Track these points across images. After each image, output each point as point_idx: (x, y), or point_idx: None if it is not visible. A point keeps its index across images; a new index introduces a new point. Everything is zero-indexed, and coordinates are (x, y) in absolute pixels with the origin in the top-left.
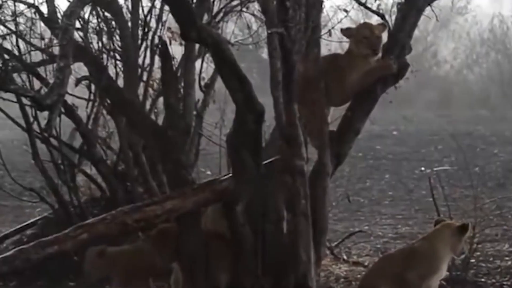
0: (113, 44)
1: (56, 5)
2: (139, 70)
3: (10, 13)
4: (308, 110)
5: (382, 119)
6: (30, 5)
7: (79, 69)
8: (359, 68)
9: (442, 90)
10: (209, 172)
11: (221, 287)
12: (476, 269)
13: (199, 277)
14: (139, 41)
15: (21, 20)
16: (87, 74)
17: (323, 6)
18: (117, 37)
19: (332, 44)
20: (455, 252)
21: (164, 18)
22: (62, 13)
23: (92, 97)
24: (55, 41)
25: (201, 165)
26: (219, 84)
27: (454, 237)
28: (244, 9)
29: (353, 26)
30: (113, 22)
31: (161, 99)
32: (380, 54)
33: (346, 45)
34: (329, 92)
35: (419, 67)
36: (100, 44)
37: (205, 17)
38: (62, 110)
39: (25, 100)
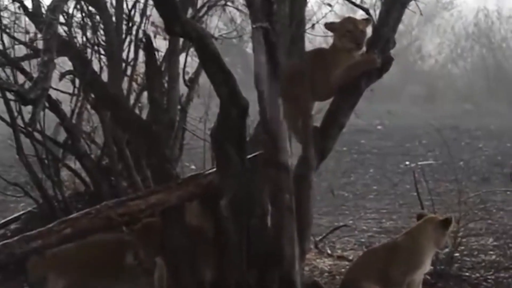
0: (97, 39)
1: (40, 0)
2: (123, 64)
3: None
4: (293, 105)
5: (366, 113)
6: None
7: (64, 63)
8: (343, 63)
9: (426, 85)
10: (193, 167)
11: (205, 282)
12: (460, 263)
13: (184, 272)
14: (123, 36)
15: (5, 14)
16: (71, 68)
17: (307, 0)
18: (101, 32)
19: (317, 38)
20: (438, 246)
21: (148, 13)
22: (46, 7)
23: (76, 92)
24: (39, 36)
25: (186, 159)
26: (203, 78)
27: (438, 231)
28: (228, 3)
29: (337, 20)
30: (97, 17)
31: (145, 94)
32: (364, 49)
33: (330, 40)
34: (313, 86)
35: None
36: (84, 38)
37: (189, 11)
38: (46, 104)
39: (9, 95)
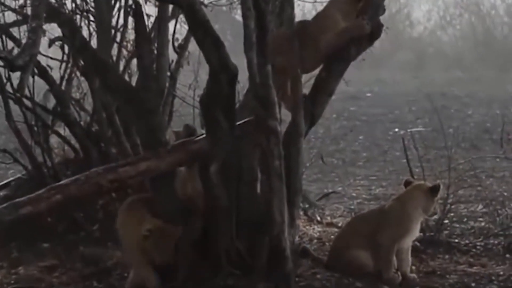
0: (87, 5)
1: None
2: (113, 31)
3: None
4: (282, 72)
5: (356, 80)
6: None
7: (53, 30)
8: (333, 28)
9: (416, 52)
10: None
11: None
12: (450, 230)
13: None
14: (113, 2)
15: None
16: (61, 35)
17: None
18: None
19: (306, 5)
20: (426, 213)
21: None
22: None
23: (65, 58)
24: (28, 2)
25: (175, 126)
26: (192, 45)
27: (426, 198)
28: None
29: None
30: None
31: (134, 60)
32: None
33: (320, 6)
34: (302, 56)
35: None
36: (73, 5)
37: None
38: (36, 71)
39: None
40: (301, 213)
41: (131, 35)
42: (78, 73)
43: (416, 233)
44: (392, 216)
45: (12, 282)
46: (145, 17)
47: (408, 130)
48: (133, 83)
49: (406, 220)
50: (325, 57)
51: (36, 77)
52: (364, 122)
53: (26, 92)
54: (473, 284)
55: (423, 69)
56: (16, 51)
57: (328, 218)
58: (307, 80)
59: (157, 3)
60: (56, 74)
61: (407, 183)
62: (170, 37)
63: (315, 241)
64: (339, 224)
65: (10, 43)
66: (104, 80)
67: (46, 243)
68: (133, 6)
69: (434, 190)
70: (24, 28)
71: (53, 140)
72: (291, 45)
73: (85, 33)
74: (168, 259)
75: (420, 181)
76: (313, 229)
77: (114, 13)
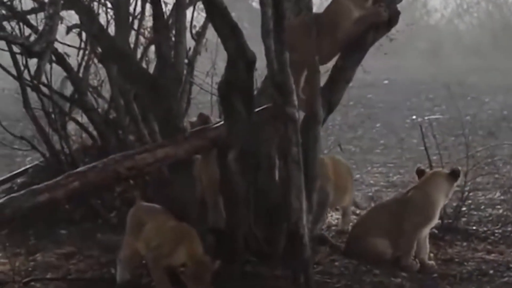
0: None
1: None
2: (130, 18)
3: None
4: (300, 58)
5: (373, 68)
6: None
7: (70, 17)
8: (350, 17)
9: (432, 40)
10: None
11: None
12: (468, 217)
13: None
14: None
15: None
16: (78, 22)
17: None
18: None
19: None
20: (447, 199)
21: None
22: None
23: (83, 46)
24: None
25: (193, 113)
26: (210, 32)
27: (447, 183)
28: None
29: None
30: None
31: (152, 48)
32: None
33: None
34: (319, 46)
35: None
36: None
37: None
38: (53, 58)
39: (15, 48)
40: None
41: (148, 22)
42: (95, 60)
43: (436, 220)
44: (416, 204)
45: (30, 269)
46: (163, 4)
47: (426, 118)
48: (151, 70)
49: (430, 207)
50: (342, 47)
51: (53, 64)
52: (381, 110)
53: (44, 79)
54: (491, 271)
55: (440, 57)
56: (33, 38)
57: None
58: (326, 71)
59: None
60: (73, 61)
61: (419, 172)
62: (187, 24)
63: (333, 228)
64: (357, 212)
65: (28, 30)
66: (122, 67)
67: (63, 230)
68: None
69: (454, 175)
70: (41, 15)
71: (71, 127)
72: (309, 33)
73: (102, 20)
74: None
75: (437, 168)
76: (331, 216)
77: (131, 0)
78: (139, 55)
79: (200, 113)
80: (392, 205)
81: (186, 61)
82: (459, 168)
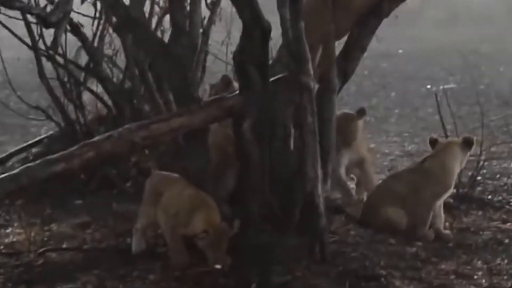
0: None
1: None
2: None
3: None
4: (315, 27)
5: (388, 37)
6: None
7: None
8: None
9: (447, 9)
10: None
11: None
12: (483, 186)
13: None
14: None
15: None
16: None
17: None
18: None
19: None
20: (461, 167)
21: None
22: None
23: (98, 15)
24: None
25: (208, 82)
26: (225, 1)
27: (462, 152)
28: None
29: None
30: None
31: (167, 17)
32: None
33: None
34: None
35: None
36: None
37: None
38: (68, 28)
39: (31, 18)
40: None
41: None
42: (110, 30)
43: (452, 189)
44: (433, 173)
45: (45, 239)
46: None
47: (440, 87)
48: (166, 39)
49: (447, 176)
50: (358, 17)
51: (68, 34)
52: (396, 79)
53: (59, 49)
54: (506, 241)
55: (454, 26)
56: (49, 8)
57: None
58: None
59: None
60: (88, 31)
61: (432, 141)
62: None
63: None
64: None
65: (43, 0)
66: (136, 36)
67: (78, 200)
68: None
69: (468, 143)
70: None
71: (86, 97)
72: (324, 3)
73: None
74: (222, 259)
75: (450, 138)
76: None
77: None
78: (154, 25)
79: (223, 75)
80: (408, 174)
81: (201, 30)
82: (473, 137)
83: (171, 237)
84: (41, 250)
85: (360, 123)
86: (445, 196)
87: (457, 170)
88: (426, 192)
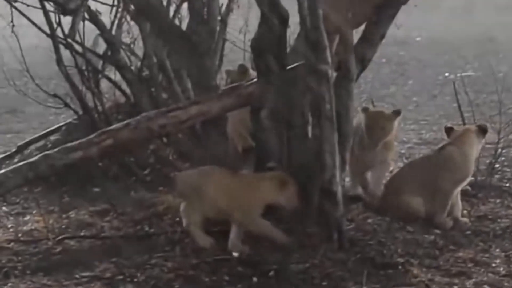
0: None
1: None
2: None
3: None
4: (333, 14)
5: (406, 25)
6: None
7: None
8: None
9: None
10: None
11: None
12: (501, 174)
13: None
14: None
15: None
16: None
17: None
18: None
19: None
20: (477, 154)
21: None
22: None
23: (116, 3)
24: None
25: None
26: None
27: (477, 139)
28: None
29: None
30: None
31: (185, 5)
32: None
33: None
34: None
35: None
36: None
37: None
38: (86, 16)
39: (48, 6)
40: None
41: None
42: (128, 18)
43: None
44: (452, 161)
45: (63, 226)
46: None
47: (458, 75)
48: (184, 27)
49: (466, 164)
50: (376, 5)
51: (86, 22)
52: (413, 67)
53: (77, 37)
54: None
55: (472, 13)
56: None
57: None
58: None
59: None
60: (106, 19)
61: (448, 130)
62: None
63: None
64: (390, 169)
65: None
66: (155, 24)
67: (97, 188)
68: None
69: (483, 130)
70: None
71: (104, 85)
72: None
73: None
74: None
75: (465, 126)
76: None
77: None
78: (172, 12)
79: (239, 64)
80: (426, 162)
81: (219, 18)
82: (487, 124)
83: (262, 224)
84: (59, 237)
85: (395, 123)
86: (464, 184)
87: (474, 156)
88: (445, 180)
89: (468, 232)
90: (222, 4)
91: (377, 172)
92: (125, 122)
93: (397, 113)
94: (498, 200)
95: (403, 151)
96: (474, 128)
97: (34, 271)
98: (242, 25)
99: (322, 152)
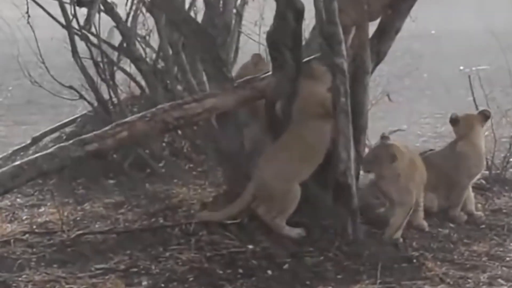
0: None
1: None
2: None
3: None
4: (348, 7)
5: (420, 18)
6: None
7: None
8: None
9: None
10: None
11: None
12: None
13: (238, 173)
14: None
15: None
16: None
17: None
18: None
19: None
20: None
21: None
22: None
23: None
24: None
25: (241, 63)
26: None
27: (481, 127)
28: None
29: None
30: None
31: None
32: None
33: None
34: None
35: None
36: None
37: None
38: (102, 8)
39: None
40: (367, 150)
41: None
42: (144, 10)
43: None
44: (465, 155)
45: (78, 218)
46: None
47: (473, 68)
48: (199, 19)
49: (478, 156)
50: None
51: (101, 14)
52: (428, 60)
53: (92, 28)
54: None
55: (487, 6)
56: None
57: None
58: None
59: None
60: (121, 11)
61: (453, 121)
62: None
63: None
64: None
65: None
66: (170, 16)
67: (111, 180)
68: None
69: (485, 117)
70: None
71: (119, 76)
72: None
73: None
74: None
75: (468, 113)
76: None
77: None
78: (187, 5)
79: (253, 54)
80: (439, 158)
81: (234, 10)
82: (488, 110)
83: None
84: (74, 234)
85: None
86: (478, 176)
87: (483, 146)
88: (462, 172)
89: (483, 226)
90: None
91: None
92: (140, 114)
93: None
94: None
95: (417, 145)
96: (476, 117)
97: (48, 263)
98: (257, 17)
99: (337, 145)
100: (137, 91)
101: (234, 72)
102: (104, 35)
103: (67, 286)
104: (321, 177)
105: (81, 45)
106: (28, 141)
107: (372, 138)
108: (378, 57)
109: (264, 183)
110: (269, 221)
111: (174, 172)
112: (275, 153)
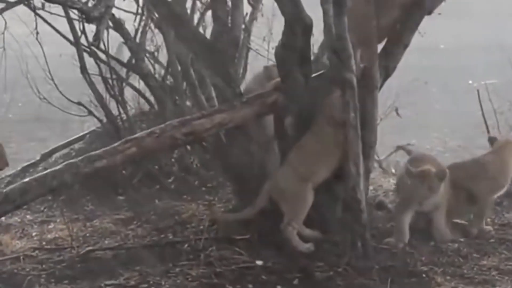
0: None
1: None
2: None
3: None
4: (357, 23)
5: (429, 32)
6: None
7: None
8: None
9: (490, 2)
10: None
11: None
12: None
13: (247, 189)
14: None
15: None
16: None
17: None
18: None
19: None
20: None
21: None
22: None
23: (140, 11)
24: None
25: (250, 78)
26: None
27: None
28: None
29: None
30: None
31: (209, 13)
32: None
33: None
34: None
35: None
36: None
37: None
38: (110, 24)
39: (72, 14)
40: (376, 165)
41: None
42: (152, 26)
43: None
44: (491, 169)
45: (87, 234)
46: None
47: (482, 82)
48: (208, 35)
49: (505, 174)
50: (400, 14)
51: (110, 30)
52: (437, 74)
53: (101, 45)
54: None
55: (496, 20)
56: (91, 3)
57: None
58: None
59: None
60: (130, 27)
61: (492, 140)
62: None
63: (391, 193)
64: None
65: None
66: (178, 32)
67: (121, 196)
68: None
69: None
70: None
71: (128, 92)
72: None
73: None
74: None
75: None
76: (388, 181)
77: None
78: (196, 20)
79: (265, 66)
80: (464, 169)
81: (242, 26)
82: None
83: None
84: (83, 250)
85: None
86: (500, 193)
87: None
88: (483, 186)
89: (492, 240)
90: (247, 13)
91: None
92: (149, 130)
93: None
94: None
95: None
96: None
97: (58, 279)
98: (266, 33)
99: (346, 160)
100: (146, 107)
101: (243, 86)
102: (112, 51)
103: None
104: (331, 192)
105: (90, 61)
106: (38, 158)
107: (381, 153)
108: (387, 72)
109: (278, 182)
110: (283, 227)
111: (183, 188)
112: (291, 153)
